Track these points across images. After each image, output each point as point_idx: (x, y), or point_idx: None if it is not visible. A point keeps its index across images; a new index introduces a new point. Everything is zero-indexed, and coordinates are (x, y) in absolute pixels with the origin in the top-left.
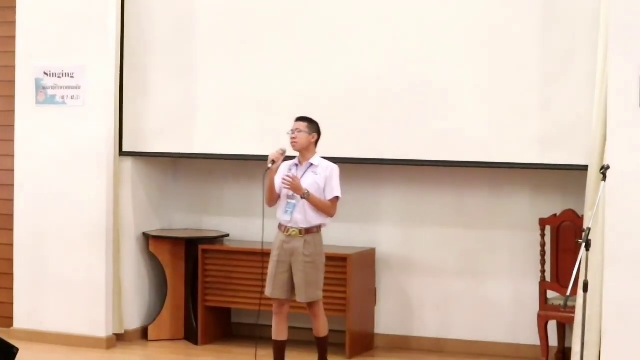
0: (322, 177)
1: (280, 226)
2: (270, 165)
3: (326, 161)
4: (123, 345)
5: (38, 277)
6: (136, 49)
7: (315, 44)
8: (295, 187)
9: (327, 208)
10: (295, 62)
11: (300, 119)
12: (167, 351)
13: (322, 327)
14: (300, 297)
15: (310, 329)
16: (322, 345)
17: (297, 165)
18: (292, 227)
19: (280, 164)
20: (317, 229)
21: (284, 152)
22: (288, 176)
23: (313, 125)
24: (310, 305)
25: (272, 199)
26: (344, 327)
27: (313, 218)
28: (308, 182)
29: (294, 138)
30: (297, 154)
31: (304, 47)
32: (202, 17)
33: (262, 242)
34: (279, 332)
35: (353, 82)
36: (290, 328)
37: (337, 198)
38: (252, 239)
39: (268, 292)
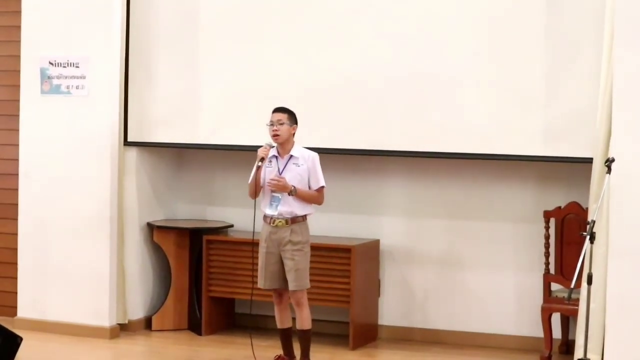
0: (304, 168)
1: (265, 217)
2: (260, 163)
3: (306, 150)
4: (126, 335)
5: (42, 266)
6: (141, 39)
7: (320, 34)
8: (282, 187)
9: (315, 199)
10: (299, 53)
11: (281, 110)
12: (170, 341)
13: (306, 319)
14: (291, 285)
15: (314, 320)
16: (305, 339)
17: (276, 157)
18: (277, 218)
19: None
20: (302, 218)
21: (271, 147)
22: (273, 179)
23: (293, 116)
24: (296, 293)
25: (257, 191)
26: (347, 318)
27: (298, 209)
28: (291, 174)
29: (276, 130)
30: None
31: (308, 38)
32: (208, 8)
33: (253, 232)
34: (282, 320)
35: (358, 73)
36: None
37: (323, 187)
38: (256, 229)
39: (260, 283)
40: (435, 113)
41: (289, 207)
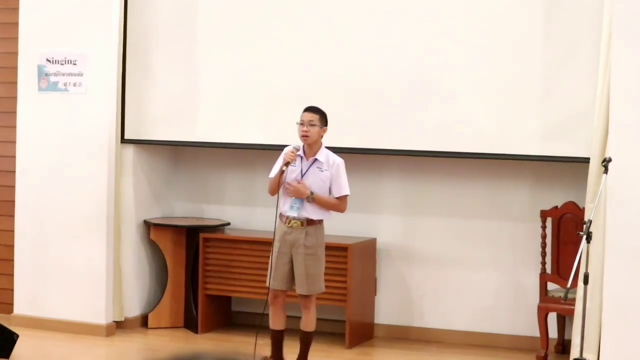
0: (327, 174)
1: (281, 216)
2: (284, 168)
3: (332, 155)
4: (123, 333)
5: (39, 264)
6: (139, 36)
7: (318, 33)
8: (299, 193)
9: (336, 206)
10: (298, 52)
11: (313, 109)
12: (167, 339)
13: (311, 321)
14: (302, 290)
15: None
16: (307, 341)
17: (301, 157)
18: (293, 219)
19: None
20: (319, 221)
21: (298, 150)
22: (290, 184)
23: (324, 118)
24: (306, 297)
25: (276, 190)
26: (343, 317)
27: (313, 214)
28: (312, 179)
29: (306, 131)
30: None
31: (307, 37)
32: (206, 5)
33: (274, 232)
34: (275, 321)
35: (355, 72)
36: (290, 317)
37: (346, 196)
38: (253, 227)
39: (269, 283)
40: (432, 112)
41: (304, 211)
